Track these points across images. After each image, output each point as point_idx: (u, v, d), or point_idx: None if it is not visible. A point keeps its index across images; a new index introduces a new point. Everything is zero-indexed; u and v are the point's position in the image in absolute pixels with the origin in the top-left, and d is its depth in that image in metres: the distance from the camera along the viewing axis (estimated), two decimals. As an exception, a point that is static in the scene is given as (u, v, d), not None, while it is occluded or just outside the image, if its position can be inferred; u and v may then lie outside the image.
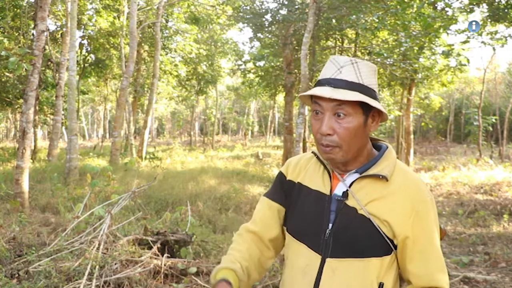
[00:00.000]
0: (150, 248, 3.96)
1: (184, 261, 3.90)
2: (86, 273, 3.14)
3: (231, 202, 7.82)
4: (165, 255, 3.81)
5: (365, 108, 1.17)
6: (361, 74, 1.17)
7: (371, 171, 1.21)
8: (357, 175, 1.23)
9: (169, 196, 7.57)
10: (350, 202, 1.21)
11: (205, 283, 3.60)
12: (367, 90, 1.17)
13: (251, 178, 11.01)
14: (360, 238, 1.18)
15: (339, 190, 1.24)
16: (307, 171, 1.34)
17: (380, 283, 1.18)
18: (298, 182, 1.34)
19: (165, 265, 3.69)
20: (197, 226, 5.43)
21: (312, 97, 1.21)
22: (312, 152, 1.37)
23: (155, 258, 3.75)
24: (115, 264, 3.43)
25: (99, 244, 3.63)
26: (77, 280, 3.14)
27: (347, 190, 1.22)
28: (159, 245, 3.98)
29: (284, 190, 1.37)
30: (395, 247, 1.19)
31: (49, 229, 4.96)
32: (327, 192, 1.25)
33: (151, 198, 7.37)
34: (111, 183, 6.99)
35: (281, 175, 1.41)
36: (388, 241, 1.18)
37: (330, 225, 1.21)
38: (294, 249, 1.29)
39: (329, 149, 1.18)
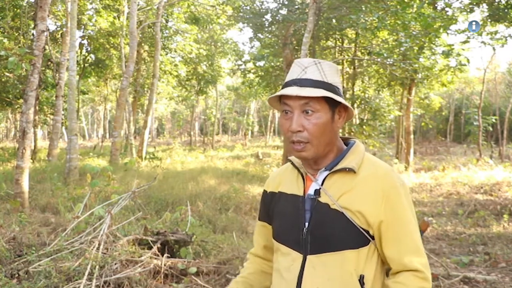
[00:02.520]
0: (150, 248, 3.96)
1: (184, 261, 3.90)
2: (86, 273, 3.14)
3: (231, 202, 7.82)
4: (165, 255, 3.81)
5: (331, 104, 1.24)
6: (325, 73, 1.24)
7: (339, 165, 1.27)
8: (327, 172, 1.28)
9: (169, 196, 7.57)
10: (323, 198, 1.26)
11: (205, 283, 3.60)
12: (332, 87, 1.23)
13: (251, 178, 11.01)
14: (335, 232, 1.22)
15: (312, 190, 1.29)
16: (285, 180, 1.40)
17: (361, 275, 1.21)
18: (278, 191, 1.40)
19: (165, 265, 3.69)
20: (197, 226, 5.43)
21: (280, 99, 1.27)
22: (288, 158, 1.43)
23: (155, 258, 3.75)
24: (115, 264, 3.43)
25: (99, 244, 3.63)
26: (77, 280, 3.14)
27: (319, 188, 1.27)
28: (159, 245, 3.98)
29: (266, 204, 1.45)
30: (373, 237, 1.22)
31: (49, 229, 4.96)
32: (301, 193, 1.31)
33: (151, 198, 7.37)
34: (111, 183, 6.99)
35: (263, 192, 1.49)
36: (364, 232, 1.21)
37: (307, 223, 1.26)
38: (279, 253, 1.35)
39: (301, 147, 1.23)
